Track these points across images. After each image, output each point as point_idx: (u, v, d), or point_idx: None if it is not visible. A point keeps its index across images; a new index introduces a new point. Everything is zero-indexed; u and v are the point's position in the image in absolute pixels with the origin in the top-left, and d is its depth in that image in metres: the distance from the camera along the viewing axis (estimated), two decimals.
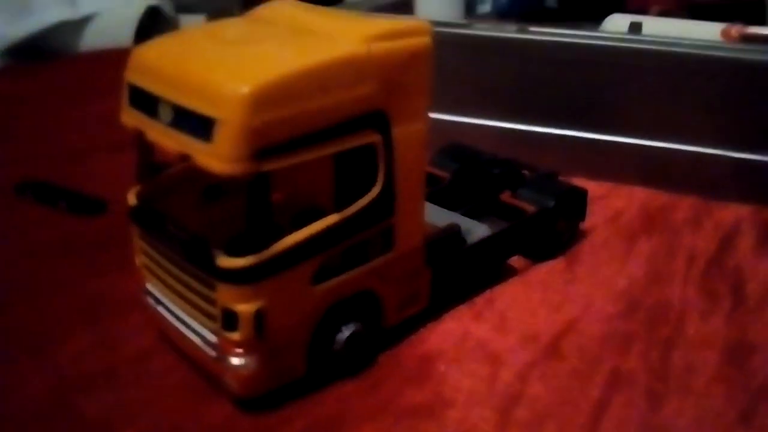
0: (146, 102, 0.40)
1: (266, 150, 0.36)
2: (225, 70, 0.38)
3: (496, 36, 0.72)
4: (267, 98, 0.36)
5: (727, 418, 0.41)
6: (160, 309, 0.45)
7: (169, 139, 0.39)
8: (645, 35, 0.74)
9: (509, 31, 0.71)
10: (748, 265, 0.56)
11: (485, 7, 1.16)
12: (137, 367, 0.45)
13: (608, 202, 0.66)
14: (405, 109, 0.42)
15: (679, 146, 0.67)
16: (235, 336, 0.39)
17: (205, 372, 0.43)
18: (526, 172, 0.61)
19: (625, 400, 0.42)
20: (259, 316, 0.38)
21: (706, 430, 0.40)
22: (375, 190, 0.42)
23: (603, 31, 0.79)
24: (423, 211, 0.46)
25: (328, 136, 0.39)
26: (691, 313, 0.50)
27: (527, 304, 0.51)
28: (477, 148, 0.63)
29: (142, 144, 0.43)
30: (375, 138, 0.41)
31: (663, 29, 0.75)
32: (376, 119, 0.41)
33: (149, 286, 0.46)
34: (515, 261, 0.56)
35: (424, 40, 0.42)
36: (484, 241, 0.51)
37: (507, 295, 0.52)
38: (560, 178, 0.60)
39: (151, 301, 0.46)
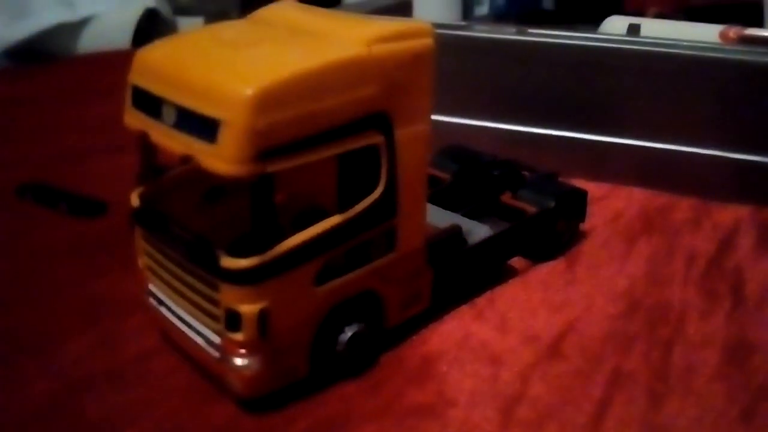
0: (150, 103, 0.40)
1: (270, 151, 0.36)
2: (229, 71, 0.38)
3: (495, 38, 0.72)
4: (271, 100, 0.36)
5: (727, 417, 0.41)
6: (163, 310, 0.45)
7: (172, 141, 0.39)
8: (644, 37, 0.75)
9: (508, 33, 0.72)
10: (748, 265, 0.56)
11: (482, 9, 1.16)
12: (139, 368, 0.45)
13: (608, 202, 0.66)
14: (407, 111, 0.42)
15: (678, 147, 0.67)
16: (239, 336, 0.39)
17: (208, 373, 0.43)
18: (526, 173, 0.61)
19: (626, 400, 0.42)
20: (262, 317, 0.39)
21: (707, 430, 0.40)
22: (377, 191, 0.42)
23: (602, 33, 0.79)
24: (425, 211, 0.46)
25: (331, 138, 0.39)
26: (691, 313, 0.50)
27: (528, 305, 0.51)
28: (477, 149, 0.63)
29: (144, 145, 0.43)
30: (378, 139, 0.41)
31: (662, 31, 0.75)
32: (379, 121, 0.41)
33: (152, 287, 0.46)
34: (516, 261, 0.56)
35: (426, 42, 0.43)
36: (485, 242, 0.52)
37: (508, 296, 0.52)
38: (560, 179, 0.60)
39: (153, 302, 0.46)
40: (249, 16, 0.47)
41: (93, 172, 0.74)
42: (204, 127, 0.36)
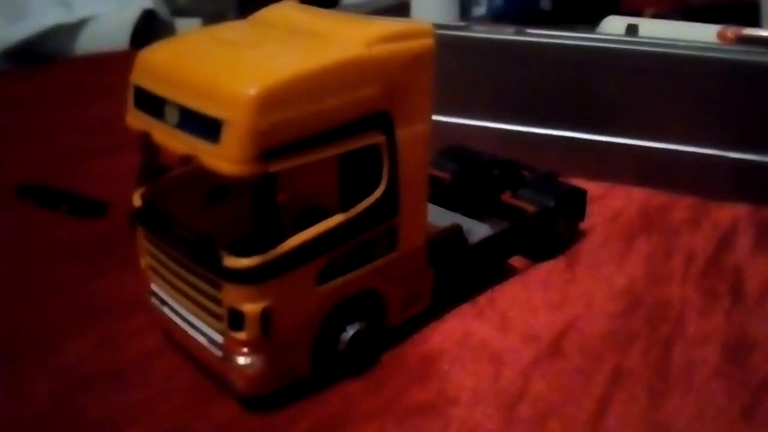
0: (152, 104, 0.40)
1: (273, 151, 0.36)
2: (232, 72, 0.38)
3: (494, 38, 0.72)
4: (274, 100, 0.36)
5: (728, 414, 0.41)
6: (165, 310, 0.45)
7: (175, 141, 0.39)
8: (642, 37, 0.75)
9: (507, 34, 0.72)
10: (747, 263, 0.57)
11: (480, 10, 1.16)
12: (142, 368, 0.45)
13: (607, 202, 0.67)
14: (408, 111, 0.42)
15: (676, 147, 0.68)
16: (241, 336, 0.39)
17: (210, 372, 0.43)
18: (526, 172, 0.61)
19: (626, 398, 0.43)
20: (265, 316, 0.39)
21: (708, 427, 0.41)
22: (379, 191, 0.42)
23: (601, 33, 0.80)
24: (426, 211, 0.46)
25: (332, 138, 0.39)
26: (691, 312, 0.51)
27: (528, 304, 0.52)
28: (477, 149, 0.63)
29: (147, 146, 0.43)
30: (379, 139, 0.41)
31: (659, 31, 0.75)
32: (380, 120, 0.41)
33: (154, 287, 0.46)
34: (516, 261, 0.56)
35: (426, 42, 0.43)
36: (485, 241, 0.52)
37: (508, 295, 0.53)
38: (560, 178, 0.61)
39: (156, 301, 0.46)
40: (250, 17, 0.47)
41: (93, 172, 0.74)
42: (207, 127, 0.36)
